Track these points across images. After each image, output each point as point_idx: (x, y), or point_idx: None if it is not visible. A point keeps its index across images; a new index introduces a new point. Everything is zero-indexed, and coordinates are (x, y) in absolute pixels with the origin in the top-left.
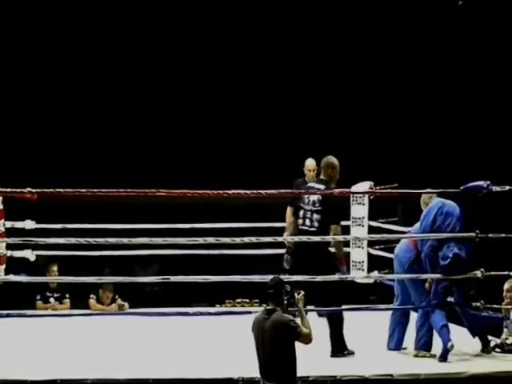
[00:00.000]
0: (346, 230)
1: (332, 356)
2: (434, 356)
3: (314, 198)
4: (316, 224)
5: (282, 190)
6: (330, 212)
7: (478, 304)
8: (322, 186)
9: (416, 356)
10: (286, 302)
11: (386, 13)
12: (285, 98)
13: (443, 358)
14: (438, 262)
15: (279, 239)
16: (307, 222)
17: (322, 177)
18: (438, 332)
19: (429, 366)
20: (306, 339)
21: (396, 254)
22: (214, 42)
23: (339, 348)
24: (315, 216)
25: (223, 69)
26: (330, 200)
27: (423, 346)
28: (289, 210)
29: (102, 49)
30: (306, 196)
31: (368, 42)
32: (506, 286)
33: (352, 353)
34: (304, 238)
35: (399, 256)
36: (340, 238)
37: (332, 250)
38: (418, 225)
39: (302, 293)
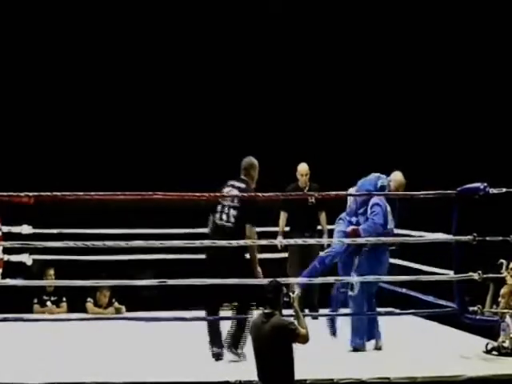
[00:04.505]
0: None
1: (227, 347)
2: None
3: (234, 194)
4: (232, 220)
5: (278, 193)
6: (247, 211)
7: (476, 309)
8: (242, 185)
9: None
10: (282, 302)
11: (384, 11)
12: (280, 99)
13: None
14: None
15: (275, 242)
16: (224, 216)
17: (243, 177)
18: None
19: (426, 369)
20: (304, 339)
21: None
22: (210, 44)
23: (235, 344)
24: (232, 212)
25: (218, 71)
26: (249, 199)
27: (373, 336)
28: (282, 215)
29: (96, 53)
30: (226, 192)
31: (366, 41)
32: (502, 291)
33: (244, 356)
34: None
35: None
36: (251, 240)
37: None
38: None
39: (297, 292)
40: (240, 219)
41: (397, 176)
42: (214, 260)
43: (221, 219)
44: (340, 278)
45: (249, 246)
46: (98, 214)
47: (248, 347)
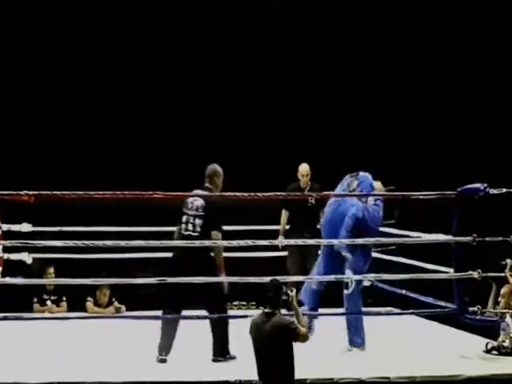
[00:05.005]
0: None
1: (214, 360)
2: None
3: (198, 203)
4: (198, 229)
5: (278, 193)
6: (212, 218)
7: (475, 309)
8: (206, 193)
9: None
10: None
11: (384, 12)
12: (281, 99)
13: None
14: None
15: (275, 242)
16: (190, 226)
17: (207, 184)
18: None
19: (426, 369)
20: (304, 338)
21: None
22: (210, 45)
23: (221, 352)
24: (198, 221)
25: (219, 71)
26: (213, 207)
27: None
28: (283, 214)
29: (96, 53)
30: (190, 202)
31: (366, 42)
32: (503, 291)
33: (233, 357)
34: (191, 243)
35: None
36: (220, 243)
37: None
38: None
39: (294, 290)
40: (205, 227)
41: (378, 184)
42: (185, 265)
43: (186, 230)
44: (341, 276)
45: (215, 251)
46: (98, 213)
47: (248, 347)
